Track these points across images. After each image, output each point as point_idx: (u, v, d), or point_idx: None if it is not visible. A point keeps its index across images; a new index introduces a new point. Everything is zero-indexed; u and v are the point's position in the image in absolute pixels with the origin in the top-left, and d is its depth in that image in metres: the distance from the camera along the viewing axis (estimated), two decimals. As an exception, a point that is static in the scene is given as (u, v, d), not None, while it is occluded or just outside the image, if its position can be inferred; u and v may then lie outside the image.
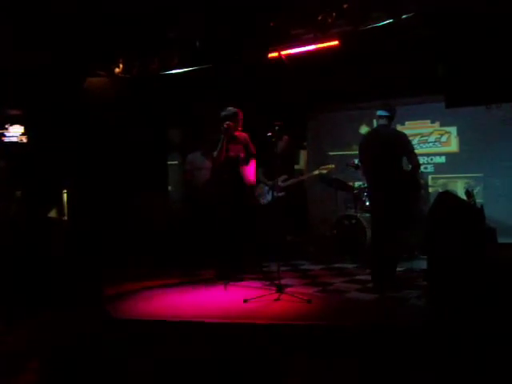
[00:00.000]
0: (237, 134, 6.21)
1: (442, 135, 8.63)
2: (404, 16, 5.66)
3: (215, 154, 6.13)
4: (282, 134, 6.04)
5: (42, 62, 7.32)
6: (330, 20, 6.03)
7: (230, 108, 6.21)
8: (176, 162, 10.28)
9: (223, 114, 6.18)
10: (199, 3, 6.53)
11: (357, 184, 8.06)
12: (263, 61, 7.11)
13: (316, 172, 7.60)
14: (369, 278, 5.78)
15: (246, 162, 6.24)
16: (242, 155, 6.21)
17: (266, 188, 7.51)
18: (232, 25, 6.85)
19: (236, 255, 6.25)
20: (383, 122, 5.63)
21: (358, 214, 7.28)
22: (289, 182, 7.47)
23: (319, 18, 6.11)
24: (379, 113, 5.65)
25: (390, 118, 5.63)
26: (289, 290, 5.33)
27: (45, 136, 8.28)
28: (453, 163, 8.50)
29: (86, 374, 3.71)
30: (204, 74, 7.64)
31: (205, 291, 5.71)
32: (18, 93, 7.83)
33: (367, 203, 7.19)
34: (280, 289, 5.15)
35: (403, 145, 5.46)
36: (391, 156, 5.43)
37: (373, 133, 6.03)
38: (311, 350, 3.83)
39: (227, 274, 5.99)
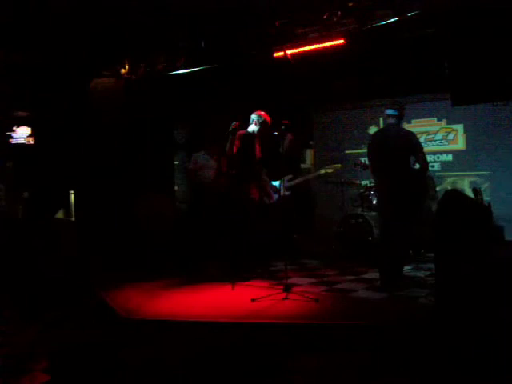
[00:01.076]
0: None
1: (448, 133, 8.60)
2: (410, 14, 5.64)
3: (227, 148, 6.25)
4: (286, 133, 6.06)
5: (48, 63, 7.36)
6: (335, 19, 6.01)
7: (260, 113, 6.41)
8: (182, 162, 10.30)
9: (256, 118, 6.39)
10: (203, 3, 6.53)
11: (363, 182, 8.06)
12: (269, 60, 7.10)
13: (322, 171, 7.59)
14: (376, 276, 5.77)
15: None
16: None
17: (273, 187, 7.51)
18: (237, 25, 6.85)
19: (243, 254, 6.25)
20: (392, 121, 5.60)
21: (365, 213, 7.27)
22: (293, 182, 7.46)
23: (324, 16, 6.10)
24: (388, 112, 5.61)
25: (399, 118, 5.60)
26: (296, 289, 5.33)
27: (52, 137, 8.32)
28: (460, 161, 8.48)
29: (93, 373, 3.72)
30: (209, 74, 7.65)
31: (212, 290, 5.72)
32: (25, 94, 7.88)
33: (374, 202, 7.19)
34: (287, 288, 5.15)
35: (412, 144, 5.44)
36: (400, 155, 5.41)
37: (382, 132, 6.00)
38: (319, 350, 3.83)
39: (235, 274, 5.99)
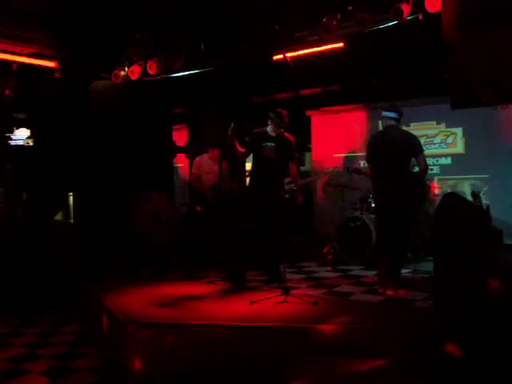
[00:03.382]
0: (285, 135, 6.04)
1: (447, 136, 8.61)
2: (409, 17, 5.64)
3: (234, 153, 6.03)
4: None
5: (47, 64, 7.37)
6: (334, 22, 6.02)
7: (276, 110, 5.96)
8: (182, 165, 10.31)
9: (270, 114, 5.97)
10: (202, 6, 6.54)
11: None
12: (268, 63, 7.11)
13: (321, 175, 7.59)
14: (375, 280, 5.78)
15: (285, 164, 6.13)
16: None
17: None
18: (236, 27, 6.86)
19: (244, 257, 6.18)
20: (391, 123, 5.61)
21: (364, 216, 7.28)
22: (292, 185, 7.45)
23: (324, 20, 6.11)
24: (386, 114, 5.61)
25: (398, 120, 5.62)
26: (295, 292, 5.32)
27: (51, 139, 8.31)
28: (459, 164, 8.48)
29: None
30: (208, 76, 7.66)
31: (211, 293, 5.71)
32: (24, 96, 7.87)
33: (373, 205, 7.19)
34: (286, 291, 5.14)
35: (413, 146, 5.44)
36: (400, 157, 5.41)
37: (381, 134, 5.99)
38: (317, 352, 3.83)
39: (238, 276, 5.97)
